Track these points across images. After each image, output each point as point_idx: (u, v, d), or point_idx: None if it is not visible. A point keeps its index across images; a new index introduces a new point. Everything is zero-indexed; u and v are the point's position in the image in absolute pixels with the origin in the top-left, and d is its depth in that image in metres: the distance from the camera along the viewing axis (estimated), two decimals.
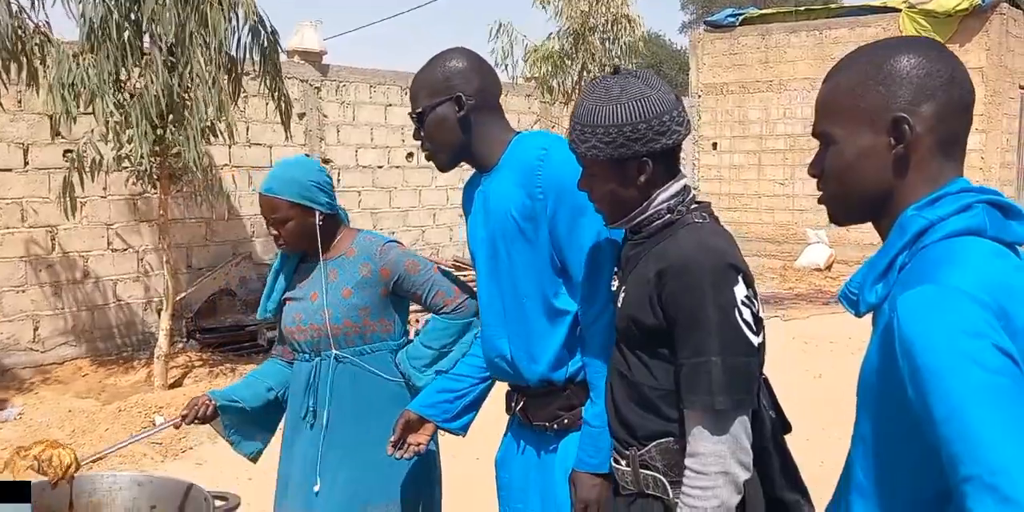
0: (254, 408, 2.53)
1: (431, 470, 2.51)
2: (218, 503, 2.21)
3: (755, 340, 1.57)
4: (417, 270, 2.42)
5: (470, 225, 2.18)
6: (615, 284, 1.81)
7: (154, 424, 5.92)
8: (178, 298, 7.04)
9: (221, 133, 6.21)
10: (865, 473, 1.19)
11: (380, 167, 9.83)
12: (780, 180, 14.02)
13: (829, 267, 12.39)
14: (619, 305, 1.72)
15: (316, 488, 2.38)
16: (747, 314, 1.56)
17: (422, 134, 2.08)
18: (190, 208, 7.91)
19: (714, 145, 14.64)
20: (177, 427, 2.43)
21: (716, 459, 1.53)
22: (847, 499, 1.22)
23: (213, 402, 2.45)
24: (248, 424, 2.54)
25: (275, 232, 2.40)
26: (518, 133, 2.11)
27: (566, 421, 2.00)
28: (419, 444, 2.20)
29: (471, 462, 3.61)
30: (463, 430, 2.28)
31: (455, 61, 2.06)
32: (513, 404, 2.13)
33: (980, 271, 1.07)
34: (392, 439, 2.19)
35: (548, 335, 1.99)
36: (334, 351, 2.40)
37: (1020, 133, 12.90)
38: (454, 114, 2.03)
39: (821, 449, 3.69)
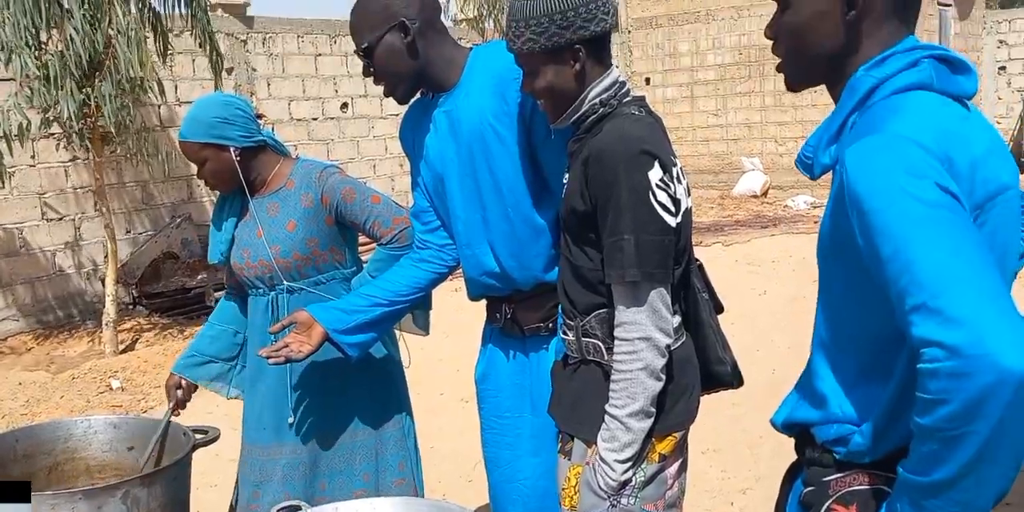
0: (228, 358, 2.54)
1: (401, 399, 2.52)
2: (198, 436, 2.22)
3: (671, 220, 1.67)
4: (353, 198, 2.35)
5: (433, 149, 2.11)
6: (566, 177, 1.86)
7: (111, 388, 5.86)
8: (120, 264, 6.88)
9: (150, 88, 6.04)
10: (825, 328, 1.24)
11: (315, 119, 9.65)
12: (713, 111, 14.13)
13: (765, 193, 12.59)
14: (564, 195, 1.82)
15: (291, 421, 2.37)
16: (662, 196, 1.65)
17: (372, 70, 2.03)
18: (124, 172, 7.72)
19: (647, 80, 14.66)
20: (178, 415, 2.43)
21: (636, 327, 1.66)
22: (814, 357, 1.27)
23: (183, 380, 2.48)
24: (227, 371, 2.55)
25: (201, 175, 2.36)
26: (470, 48, 2.09)
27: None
28: (300, 352, 2.11)
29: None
30: (352, 348, 2.18)
31: None
32: (499, 315, 2.14)
33: (925, 119, 1.10)
34: (271, 347, 2.13)
35: (537, 240, 2.02)
36: (286, 284, 2.36)
37: None
38: (401, 42, 1.98)
39: (771, 359, 3.83)
